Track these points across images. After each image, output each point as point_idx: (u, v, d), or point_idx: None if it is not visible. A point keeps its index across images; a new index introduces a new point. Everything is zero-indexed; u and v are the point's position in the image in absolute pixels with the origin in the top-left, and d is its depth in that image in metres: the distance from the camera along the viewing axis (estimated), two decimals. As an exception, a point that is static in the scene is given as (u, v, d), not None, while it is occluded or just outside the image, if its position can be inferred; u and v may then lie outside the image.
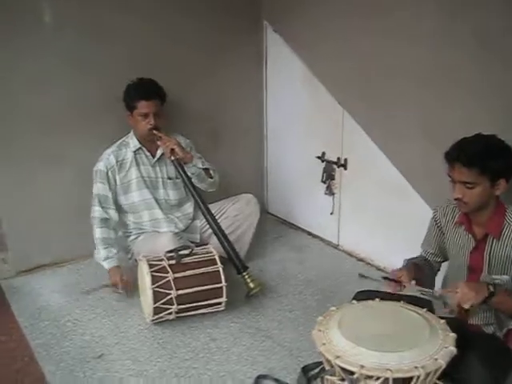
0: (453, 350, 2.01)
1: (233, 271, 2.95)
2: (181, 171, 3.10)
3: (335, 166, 3.47)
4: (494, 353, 2.15)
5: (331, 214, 3.58)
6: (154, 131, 3.08)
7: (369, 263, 3.36)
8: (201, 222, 3.35)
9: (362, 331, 2.14)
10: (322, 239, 3.73)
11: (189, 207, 3.37)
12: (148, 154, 3.21)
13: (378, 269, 3.25)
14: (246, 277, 2.95)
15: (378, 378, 1.97)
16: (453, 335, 2.09)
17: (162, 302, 2.65)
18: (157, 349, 2.61)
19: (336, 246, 3.62)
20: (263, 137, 4.07)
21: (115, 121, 3.29)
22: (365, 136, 3.20)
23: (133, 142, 3.19)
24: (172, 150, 3.06)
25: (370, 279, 2.34)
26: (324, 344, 2.10)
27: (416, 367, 1.94)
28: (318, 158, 3.56)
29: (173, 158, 3.07)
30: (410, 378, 1.96)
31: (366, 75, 3.11)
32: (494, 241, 2.20)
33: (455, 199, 2.18)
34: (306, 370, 2.39)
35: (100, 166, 3.12)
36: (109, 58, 3.30)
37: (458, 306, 2.09)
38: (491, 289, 2.05)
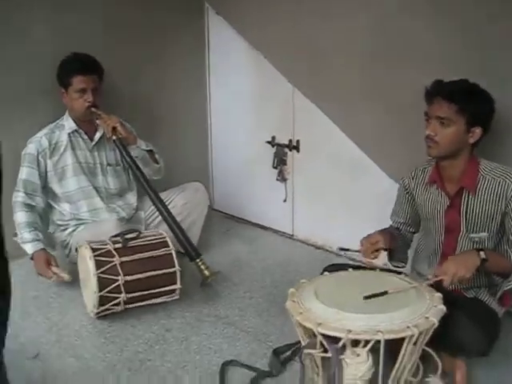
0: (443, 308, 1.85)
1: (185, 260, 2.68)
2: (124, 153, 2.81)
3: (287, 150, 3.29)
4: (482, 313, 2.03)
5: (284, 201, 3.38)
6: (93, 109, 2.80)
7: (327, 250, 3.17)
8: (145, 214, 3.07)
9: (342, 297, 1.94)
10: (275, 231, 3.50)
11: (131, 197, 3.08)
12: (85, 137, 2.92)
13: (339, 255, 3.07)
14: (200, 263, 2.68)
15: (366, 343, 1.76)
16: (439, 294, 1.94)
17: (108, 289, 2.33)
18: (104, 344, 2.29)
19: (291, 236, 3.42)
20: (207, 125, 3.82)
21: (49, 105, 2.98)
22: (317, 114, 3.05)
23: (68, 123, 2.89)
24: (114, 128, 2.78)
25: (350, 252, 2.14)
26: (301, 313, 1.88)
27: (408, 327, 1.75)
28: (268, 142, 3.37)
29: (114, 137, 2.79)
30: (402, 339, 1.78)
31: (314, 47, 2.99)
32: (469, 195, 2.08)
33: (427, 137, 2.06)
34: (277, 352, 2.16)
35: (30, 149, 2.79)
36: (40, 37, 2.99)
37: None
38: (482, 255, 1.92)
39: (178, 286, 2.48)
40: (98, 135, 2.93)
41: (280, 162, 3.33)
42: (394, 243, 2.22)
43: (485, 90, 2.03)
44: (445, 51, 2.44)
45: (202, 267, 2.68)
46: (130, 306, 2.44)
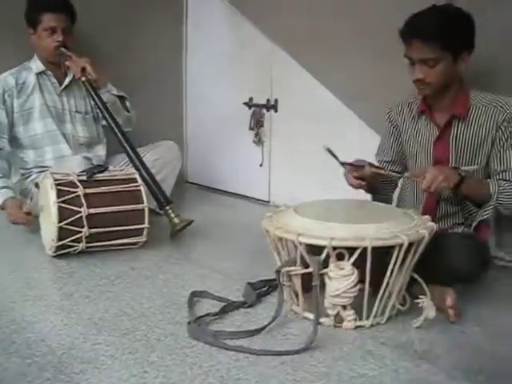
0: (433, 225, 1.72)
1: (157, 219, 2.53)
2: (94, 95, 2.67)
3: (264, 111, 3.18)
4: (471, 237, 1.90)
5: (260, 165, 3.24)
6: (62, 49, 2.65)
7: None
8: (114, 168, 2.89)
9: (325, 212, 1.79)
10: (250, 198, 3.35)
11: (101, 149, 2.92)
12: (54, 80, 2.77)
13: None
14: (170, 211, 2.52)
15: (351, 254, 1.61)
16: (427, 216, 1.81)
17: (68, 221, 2.15)
18: (60, 278, 2.10)
19: (267, 203, 3.27)
20: (182, 85, 3.69)
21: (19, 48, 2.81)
22: (296, 69, 2.96)
23: (36, 65, 2.75)
24: (83, 68, 2.63)
25: (335, 159, 1.98)
26: (280, 227, 1.72)
27: (397, 235, 1.61)
28: (245, 104, 3.25)
29: (84, 78, 2.64)
30: (391, 251, 1.63)
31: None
32: (460, 124, 1.99)
33: (416, 80, 1.95)
34: (252, 285, 1.98)
35: (-6, 88, 2.62)
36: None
37: (427, 191, 1.83)
38: (462, 174, 1.84)
39: (145, 225, 2.31)
40: (67, 80, 2.79)
41: (257, 123, 3.21)
42: (377, 178, 2.09)
43: (458, 8, 1.91)
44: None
45: (172, 215, 2.51)
46: (93, 244, 2.25)
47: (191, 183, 3.73)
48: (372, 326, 1.72)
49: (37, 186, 2.40)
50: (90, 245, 2.24)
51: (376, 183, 2.10)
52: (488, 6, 2.14)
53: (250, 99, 3.24)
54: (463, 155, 1.99)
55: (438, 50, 1.86)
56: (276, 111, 3.13)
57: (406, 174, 1.99)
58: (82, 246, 2.22)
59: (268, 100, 3.15)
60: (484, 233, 1.98)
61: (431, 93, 1.98)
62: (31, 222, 2.42)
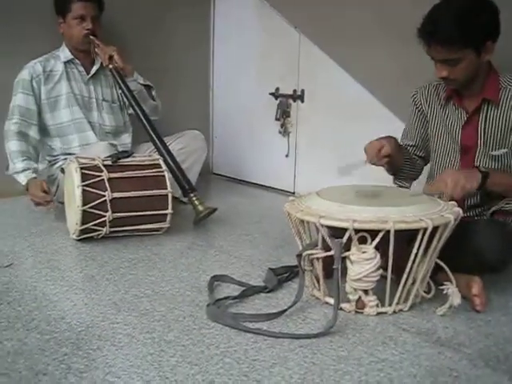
0: (459, 210, 1.67)
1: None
2: (121, 83, 2.68)
3: (291, 101, 3.15)
4: (500, 230, 1.83)
5: (286, 156, 3.22)
6: (91, 37, 2.68)
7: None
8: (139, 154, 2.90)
9: (348, 196, 1.76)
10: (276, 189, 3.34)
11: (127, 138, 2.94)
12: (81, 68, 2.80)
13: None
14: (194, 199, 2.51)
15: (374, 238, 1.58)
16: (454, 202, 1.76)
17: (92, 204, 2.16)
18: (83, 260, 2.11)
19: (292, 194, 3.24)
20: (209, 76, 3.69)
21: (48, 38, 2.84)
22: (323, 60, 2.93)
23: (64, 53, 2.78)
24: (110, 56, 2.65)
25: (353, 165, 1.93)
26: (302, 210, 1.70)
27: (421, 219, 1.56)
28: (272, 94, 3.23)
29: (111, 66, 2.66)
30: (415, 234, 1.58)
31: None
32: (490, 107, 1.93)
33: (440, 78, 1.90)
34: (274, 270, 1.96)
35: (23, 74, 2.67)
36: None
37: (451, 199, 1.76)
38: (482, 169, 1.79)
39: (169, 210, 2.30)
40: (94, 68, 2.81)
41: (283, 113, 3.18)
42: (400, 155, 2.04)
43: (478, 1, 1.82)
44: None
45: (197, 202, 2.51)
46: (116, 229, 2.26)
47: (217, 174, 3.73)
48: (394, 312, 1.68)
49: (62, 171, 2.42)
50: (114, 229, 2.25)
51: (399, 162, 2.05)
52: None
53: (277, 89, 3.21)
54: (492, 139, 1.93)
55: (458, 51, 1.79)
56: (302, 102, 3.10)
57: (423, 189, 1.90)
58: (105, 230, 2.23)
59: (295, 90, 3.12)
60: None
61: (458, 86, 1.93)
62: (49, 202, 2.43)
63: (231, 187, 3.49)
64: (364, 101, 2.78)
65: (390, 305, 1.68)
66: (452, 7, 1.81)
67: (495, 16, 1.83)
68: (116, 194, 2.19)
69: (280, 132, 3.22)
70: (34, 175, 2.51)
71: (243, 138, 3.49)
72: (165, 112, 3.01)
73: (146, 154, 2.84)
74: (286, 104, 3.16)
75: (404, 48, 2.49)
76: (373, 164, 1.91)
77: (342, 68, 2.85)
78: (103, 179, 2.19)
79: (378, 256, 1.60)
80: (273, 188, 3.36)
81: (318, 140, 3.06)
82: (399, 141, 2.20)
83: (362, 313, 1.67)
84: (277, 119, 3.20)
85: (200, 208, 2.49)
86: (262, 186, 3.42)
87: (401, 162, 2.06)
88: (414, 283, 1.69)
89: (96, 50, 2.71)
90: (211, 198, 3.07)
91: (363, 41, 2.74)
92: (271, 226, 2.58)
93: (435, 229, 1.59)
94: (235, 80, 3.51)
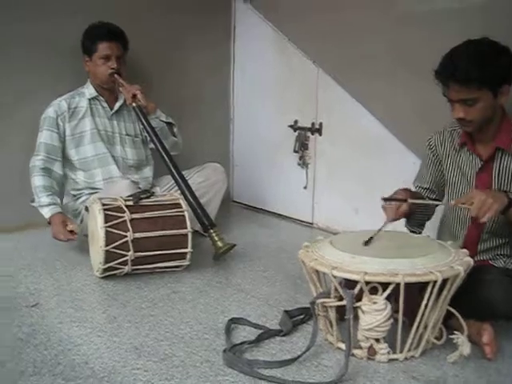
0: (470, 260, 1.71)
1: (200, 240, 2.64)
2: (143, 120, 2.77)
3: (309, 134, 3.21)
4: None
5: (305, 188, 3.27)
6: (116, 76, 2.78)
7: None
8: (161, 190, 2.98)
9: (360, 246, 1.80)
10: (294, 220, 3.39)
11: (148, 171, 3.03)
12: (105, 105, 2.89)
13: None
14: (214, 235, 2.58)
15: (385, 289, 1.63)
16: (465, 250, 1.80)
17: (115, 245, 2.24)
18: (106, 299, 2.20)
19: (310, 225, 3.29)
20: (229, 109, 3.78)
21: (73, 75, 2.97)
22: (341, 94, 2.99)
23: (89, 90, 2.87)
24: (134, 95, 2.74)
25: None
26: (315, 259, 1.75)
27: (431, 272, 1.61)
28: (290, 126, 3.29)
29: (134, 104, 2.75)
30: (425, 286, 1.63)
31: (341, 26, 2.96)
32: (504, 155, 1.95)
33: (457, 119, 1.94)
34: (289, 313, 2.01)
35: (49, 112, 2.77)
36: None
37: (475, 220, 1.80)
38: (510, 195, 1.80)
39: (189, 249, 2.38)
40: (117, 104, 2.90)
41: (302, 146, 3.24)
42: (414, 207, 2.08)
43: (494, 42, 1.87)
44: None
45: (216, 238, 2.57)
46: (138, 267, 2.34)
47: (237, 202, 3.80)
48: (406, 359, 1.72)
49: (87, 209, 2.51)
50: (135, 267, 2.33)
51: (413, 210, 2.09)
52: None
53: (295, 122, 3.28)
54: (506, 186, 1.96)
55: (476, 91, 1.83)
56: (320, 135, 3.16)
57: (451, 201, 1.96)
58: (127, 268, 2.31)
59: (313, 123, 3.18)
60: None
61: (474, 129, 1.96)
62: (70, 239, 2.53)
63: (250, 216, 3.55)
64: (380, 135, 2.83)
65: (401, 351, 1.73)
66: (471, 49, 1.87)
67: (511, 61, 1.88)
68: (137, 235, 2.27)
69: (299, 164, 3.28)
70: (57, 210, 2.60)
71: (263, 168, 3.56)
72: (185, 144, 3.09)
73: (168, 186, 2.94)
74: (304, 136, 3.23)
75: (420, 84, 2.53)
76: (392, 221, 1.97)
77: (359, 102, 2.90)
78: (125, 220, 2.27)
79: (389, 307, 1.65)
80: (291, 218, 3.42)
81: (336, 172, 3.11)
82: (413, 183, 2.25)
83: (373, 359, 1.71)
84: (295, 151, 3.26)
85: (219, 244, 2.56)
86: (280, 215, 3.48)
87: (414, 210, 2.10)
88: (425, 329, 1.73)
89: (120, 88, 2.80)
90: (231, 228, 3.15)
91: (380, 76, 2.79)
92: (289, 262, 2.62)
93: (445, 280, 1.63)
94: (255, 111, 3.59)
